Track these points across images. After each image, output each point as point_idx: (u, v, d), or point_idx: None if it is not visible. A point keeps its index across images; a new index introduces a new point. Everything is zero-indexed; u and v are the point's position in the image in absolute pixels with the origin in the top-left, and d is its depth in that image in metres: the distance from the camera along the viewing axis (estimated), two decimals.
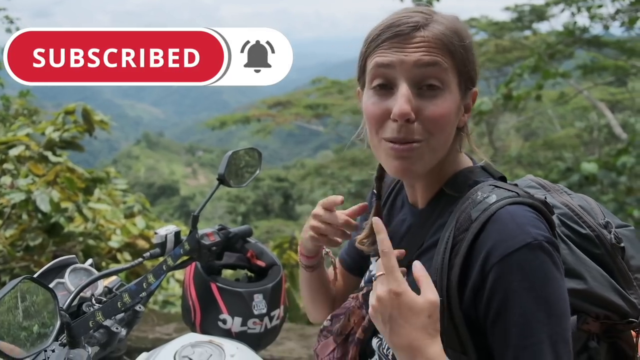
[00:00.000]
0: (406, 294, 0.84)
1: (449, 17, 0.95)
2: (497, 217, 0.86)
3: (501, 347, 0.85)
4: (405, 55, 0.90)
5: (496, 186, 0.92)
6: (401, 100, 0.89)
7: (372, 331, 1.06)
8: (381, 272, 0.87)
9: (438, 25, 0.92)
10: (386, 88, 0.93)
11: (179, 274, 4.39)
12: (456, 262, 0.87)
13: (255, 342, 1.37)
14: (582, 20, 8.90)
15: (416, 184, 1.03)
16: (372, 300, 0.88)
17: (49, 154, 3.77)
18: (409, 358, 0.84)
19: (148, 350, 1.26)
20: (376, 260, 1.12)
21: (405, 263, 1.00)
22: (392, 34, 0.91)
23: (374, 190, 1.14)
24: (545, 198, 0.95)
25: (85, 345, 1.01)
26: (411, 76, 0.90)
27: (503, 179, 0.99)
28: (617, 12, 8.09)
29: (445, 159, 0.98)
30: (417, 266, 0.88)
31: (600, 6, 8.33)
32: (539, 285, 0.83)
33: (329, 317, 1.16)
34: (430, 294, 0.85)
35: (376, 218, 0.91)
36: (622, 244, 0.96)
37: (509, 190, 0.90)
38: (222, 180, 1.36)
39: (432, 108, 0.90)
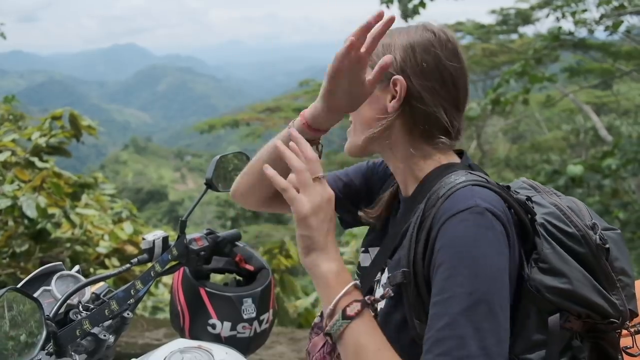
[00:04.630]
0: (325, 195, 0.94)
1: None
2: (458, 192, 0.91)
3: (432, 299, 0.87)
4: None
5: (470, 172, 0.97)
6: None
7: None
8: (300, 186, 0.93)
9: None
10: None
11: (167, 279, 4.36)
12: (422, 235, 0.92)
13: (244, 346, 1.36)
14: (567, 25, 9.00)
15: (399, 178, 1.09)
16: (306, 208, 0.92)
17: (35, 159, 3.74)
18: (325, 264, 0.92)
19: (137, 356, 1.25)
20: (364, 252, 1.14)
21: (391, 247, 1.02)
22: None
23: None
24: (530, 198, 0.98)
25: (72, 353, 1.01)
26: None
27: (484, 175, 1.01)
28: (602, 17, 8.19)
29: (418, 151, 1.03)
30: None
31: (584, 11, 8.44)
32: (469, 244, 0.85)
33: (319, 314, 1.16)
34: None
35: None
36: (607, 245, 0.98)
37: (481, 177, 0.96)
38: (209, 185, 1.36)
39: None
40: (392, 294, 0.94)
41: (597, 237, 0.97)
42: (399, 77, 1.01)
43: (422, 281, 0.91)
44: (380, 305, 1.00)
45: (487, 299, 0.83)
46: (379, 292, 1.03)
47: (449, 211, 0.89)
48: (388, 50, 1.02)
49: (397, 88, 1.02)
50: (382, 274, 1.05)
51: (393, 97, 1.03)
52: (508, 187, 1.02)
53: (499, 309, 0.83)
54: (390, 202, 1.15)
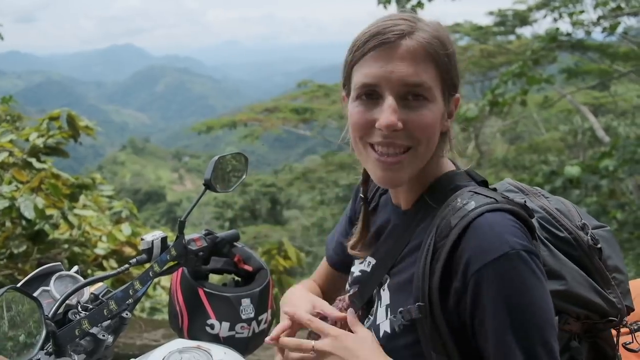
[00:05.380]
0: (344, 332, 0.96)
1: (432, 24, 0.97)
2: (475, 225, 0.87)
3: (486, 352, 0.87)
4: (391, 69, 0.91)
5: (475, 192, 0.93)
6: (387, 112, 0.91)
7: None
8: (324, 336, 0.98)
9: (423, 34, 0.93)
10: (372, 97, 0.94)
11: (165, 280, 4.36)
12: (437, 268, 0.89)
13: (243, 346, 1.36)
14: (565, 26, 9.04)
15: (403, 190, 1.05)
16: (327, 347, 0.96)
17: (33, 160, 3.73)
18: None
19: (136, 357, 1.25)
20: (360, 263, 1.14)
21: (389, 264, 1.01)
22: (378, 42, 0.92)
23: (361, 195, 1.16)
24: (525, 202, 0.97)
25: (72, 353, 1.01)
26: (396, 89, 0.92)
27: (484, 183, 1.00)
28: (599, 18, 8.21)
29: (427, 163, 1.00)
30: (350, 316, 1.02)
31: (582, 12, 8.46)
32: (517, 295, 0.84)
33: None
34: (362, 329, 0.98)
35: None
36: (598, 245, 0.98)
37: (488, 196, 0.92)
38: (208, 186, 1.36)
39: (418, 119, 0.93)
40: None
41: (589, 237, 0.98)
42: (458, 95, 1.00)
43: (439, 314, 0.89)
44: (385, 328, 0.99)
45: (545, 343, 0.84)
46: (381, 311, 1.01)
47: (480, 256, 0.85)
48: (455, 62, 0.98)
49: (453, 105, 1.00)
50: (380, 288, 1.04)
51: (449, 116, 1.00)
52: (494, 190, 1.01)
53: (554, 343, 0.86)
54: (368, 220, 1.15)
